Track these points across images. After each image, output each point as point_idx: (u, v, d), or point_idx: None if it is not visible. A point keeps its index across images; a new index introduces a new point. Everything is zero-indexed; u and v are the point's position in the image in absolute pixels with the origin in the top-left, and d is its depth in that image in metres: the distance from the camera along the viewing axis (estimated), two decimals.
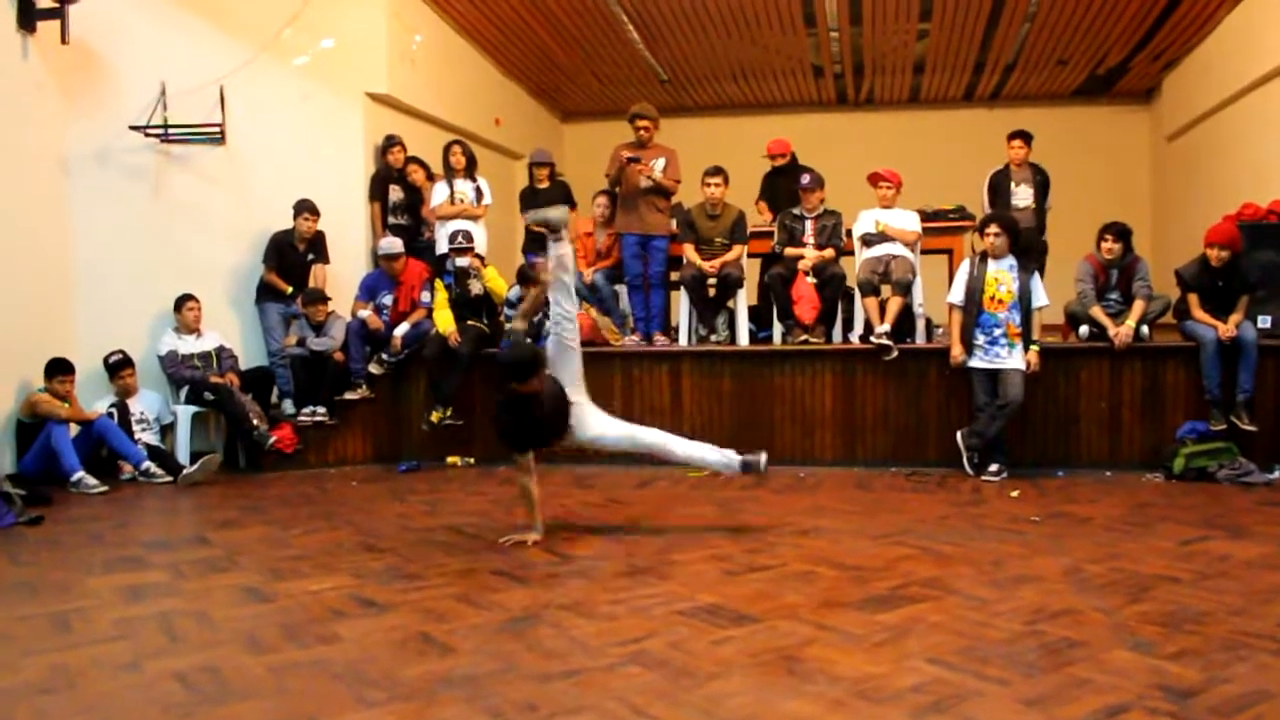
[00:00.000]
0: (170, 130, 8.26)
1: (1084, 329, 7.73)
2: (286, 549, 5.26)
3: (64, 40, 7.47)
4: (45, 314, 7.73)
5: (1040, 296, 7.27)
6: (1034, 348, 7.16)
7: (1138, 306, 7.47)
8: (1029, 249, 8.47)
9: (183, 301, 8.16)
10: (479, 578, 4.56)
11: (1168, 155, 12.95)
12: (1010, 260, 7.27)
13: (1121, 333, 7.40)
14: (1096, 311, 7.58)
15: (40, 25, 7.41)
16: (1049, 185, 8.97)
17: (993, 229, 7.28)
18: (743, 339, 8.49)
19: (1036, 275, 7.36)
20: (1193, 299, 7.51)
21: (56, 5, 7.35)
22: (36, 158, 7.68)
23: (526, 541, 5.18)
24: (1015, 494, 6.60)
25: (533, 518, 5.32)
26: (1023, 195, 8.89)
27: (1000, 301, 7.17)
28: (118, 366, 7.80)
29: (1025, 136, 8.95)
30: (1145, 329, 7.53)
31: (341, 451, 8.30)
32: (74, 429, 7.27)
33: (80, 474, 7.01)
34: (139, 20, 8.25)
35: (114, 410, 7.67)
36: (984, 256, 7.33)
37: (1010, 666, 3.28)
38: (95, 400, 7.75)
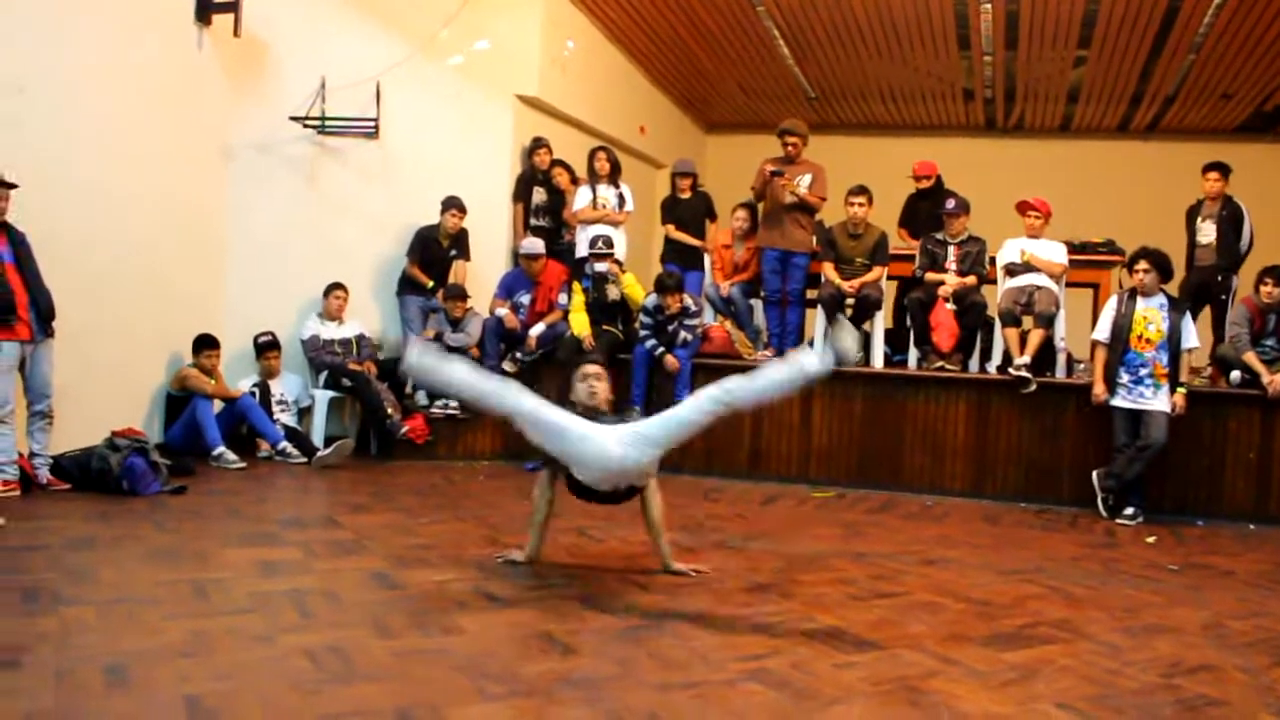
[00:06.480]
0: (327, 123, 8.52)
1: (1235, 374, 7.43)
2: (413, 537, 5.36)
3: (236, 33, 7.74)
4: (198, 292, 8.01)
5: (1191, 338, 7.02)
6: (1180, 390, 6.91)
7: None
8: (1204, 287, 8.20)
9: (331, 289, 8.38)
10: (602, 581, 4.59)
11: None
12: (1161, 298, 7.04)
13: (1276, 381, 7.09)
14: (1250, 358, 7.29)
15: (215, 18, 7.72)
16: (1240, 221, 8.27)
17: (1142, 265, 7.04)
18: (877, 362, 8.37)
19: (1188, 316, 7.10)
20: None
21: (232, 0, 7.65)
22: (201, 143, 7.98)
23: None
24: (1151, 540, 6.38)
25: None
26: (1206, 232, 8.35)
27: (1148, 341, 6.94)
28: (265, 347, 8.05)
29: (1220, 169, 8.32)
30: None
31: (471, 445, 8.43)
32: (218, 405, 7.52)
33: (221, 449, 7.25)
34: (304, 16, 8.53)
35: (256, 390, 7.91)
36: (1133, 293, 7.10)
37: None
38: (239, 379, 8.00)
